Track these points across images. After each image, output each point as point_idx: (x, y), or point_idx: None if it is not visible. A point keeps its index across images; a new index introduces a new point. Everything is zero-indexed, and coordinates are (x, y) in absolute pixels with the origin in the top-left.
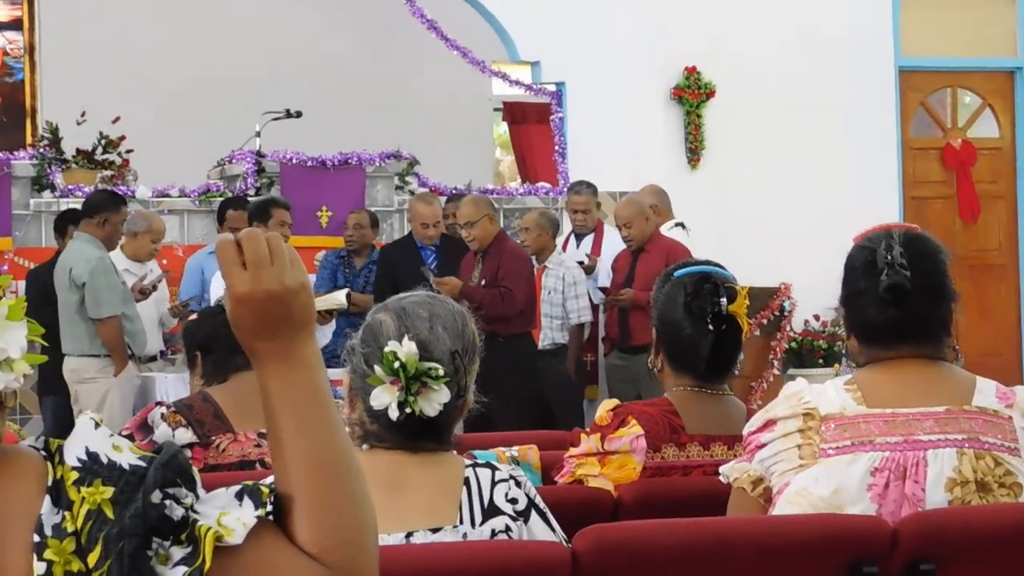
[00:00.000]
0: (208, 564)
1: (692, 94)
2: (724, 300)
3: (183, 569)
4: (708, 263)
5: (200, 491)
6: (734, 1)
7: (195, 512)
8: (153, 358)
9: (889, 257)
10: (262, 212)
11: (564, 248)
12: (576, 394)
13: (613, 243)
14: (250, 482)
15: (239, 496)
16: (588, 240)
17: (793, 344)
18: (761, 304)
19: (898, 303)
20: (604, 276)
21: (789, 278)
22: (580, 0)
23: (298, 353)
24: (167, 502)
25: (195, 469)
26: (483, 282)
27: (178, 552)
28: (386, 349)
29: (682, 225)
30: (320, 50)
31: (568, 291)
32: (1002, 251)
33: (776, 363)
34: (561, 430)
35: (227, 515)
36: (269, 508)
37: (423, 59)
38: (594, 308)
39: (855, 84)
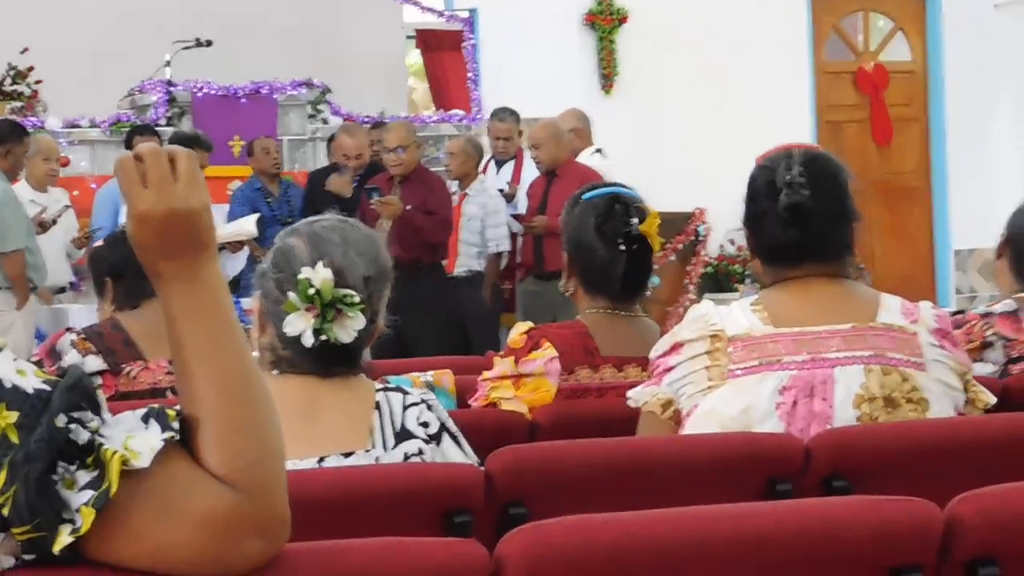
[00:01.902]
0: (115, 488)
1: (605, 19)
2: (635, 220)
3: (89, 493)
4: (617, 184)
5: (106, 415)
6: None
7: (101, 436)
8: (62, 289)
9: (789, 177)
10: (185, 146)
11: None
12: (492, 321)
13: (533, 171)
14: (157, 406)
15: (145, 419)
16: (508, 168)
17: (709, 269)
18: (677, 229)
19: (799, 222)
20: (523, 204)
21: (705, 203)
22: None
23: (202, 274)
24: (72, 426)
25: (101, 392)
26: (408, 207)
27: (84, 476)
28: (300, 275)
29: (600, 151)
30: None
31: (488, 219)
32: (916, 174)
33: (692, 288)
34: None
35: (133, 439)
36: (176, 431)
37: None
38: (512, 237)
39: (768, 9)
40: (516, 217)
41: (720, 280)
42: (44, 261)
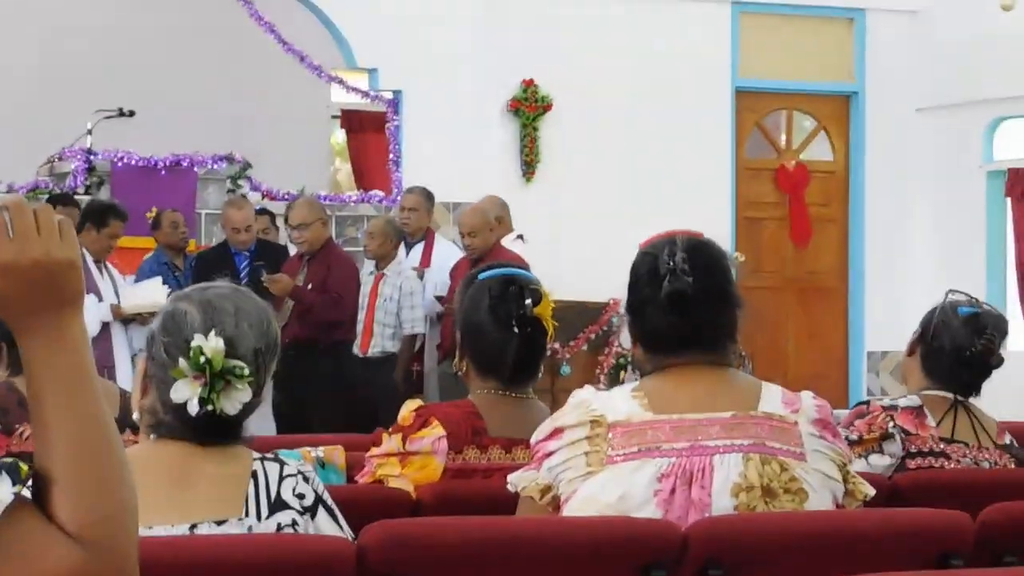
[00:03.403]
0: None
1: (529, 107)
2: (529, 302)
3: None
4: (512, 265)
5: None
6: (574, 15)
7: None
8: None
9: (671, 263)
10: (99, 217)
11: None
12: (402, 403)
13: (443, 253)
14: (9, 459)
15: None
16: (418, 248)
17: (622, 360)
18: (591, 319)
19: (680, 310)
20: (432, 286)
21: (621, 294)
22: (419, 9)
23: (65, 332)
24: None
25: None
26: (309, 286)
27: None
28: (193, 343)
29: (521, 237)
30: (157, 49)
31: (404, 300)
32: (832, 274)
33: (604, 378)
34: None
35: None
36: (27, 485)
37: (262, 63)
38: (427, 318)
39: (692, 104)
40: (439, 299)
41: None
42: None
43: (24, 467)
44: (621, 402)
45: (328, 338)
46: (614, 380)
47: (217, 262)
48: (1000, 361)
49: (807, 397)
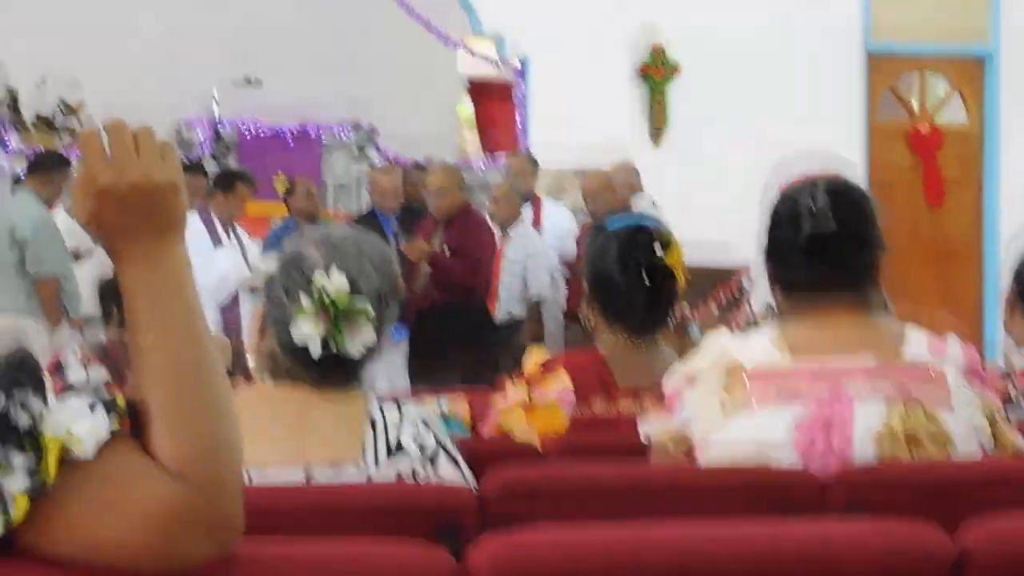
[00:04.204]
0: (52, 477)
1: (657, 71)
2: (658, 250)
3: (24, 482)
4: (642, 216)
5: (51, 397)
6: None
7: (42, 419)
8: (91, 320)
9: (813, 205)
10: (226, 183)
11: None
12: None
13: (552, 216)
14: (108, 395)
15: (92, 405)
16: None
17: (752, 324)
18: (721, 282)
19: (822, 252)
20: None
21: (752, 259)
22: None
23: (165, 257)
24: (11, 406)
25: (47, 373)
26: (445, 250)
27: (21, 461)
28: (315, 280)
29: (654, 203)
30: (283, 18)
31: (529, 262)
32: (967, 239)
33: None
34: None
35: (77, 425)
36: (123, 419)
37: (389, 30)
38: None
39: (824, 68)
40: (567, 264)
41: None
42: (78, 289)
43: (121, 400)
44: (759, 347)
45: (465, 302)
46: None
47: (367, 228)
48: None
49: (954, 344)
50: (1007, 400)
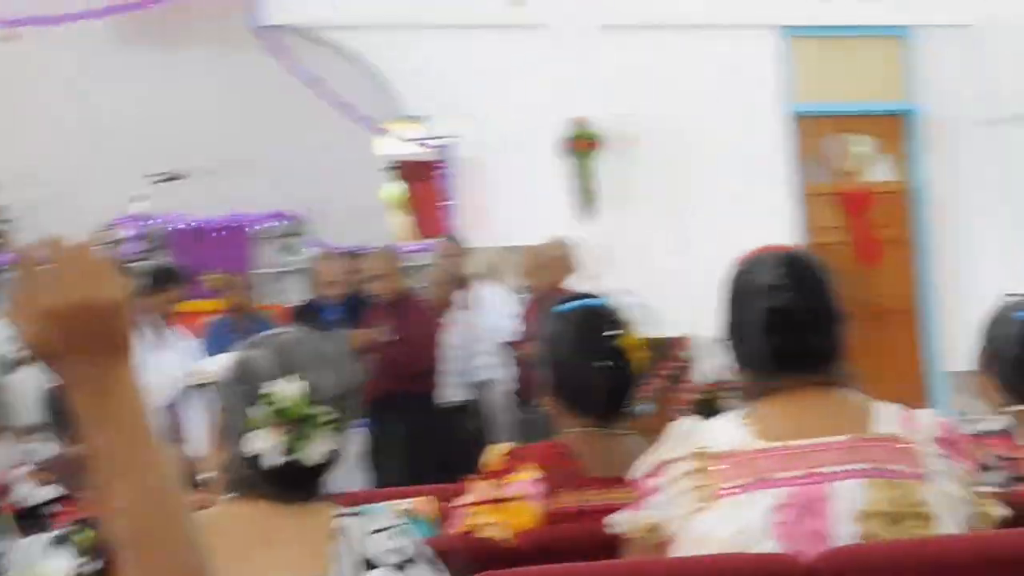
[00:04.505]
0: None
1: (582, 144)
2: (615, 332)
3: None
4: (590, 295)
5: (6, 542)
6: (622, 46)
7: (4, 564)
8: (35, 429)
9: (770, 279)
10: (157, 281)
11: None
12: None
13: (489, 297)
14: (74, 526)
15: (58, 541)
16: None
17: (707, 394)
18: (662, 355)
19: (783, 328)
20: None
21: (692, 329)
22: (461, 56)
23: (115, 385)
24: None
25: (6, 515)
26: (389, 337)
27: None
28: (269, 391)
29: (597, 278)
30: (204, 112)
31: (472, 346)
32: (902, 298)
33: (686, 412)
34: None
35: (38, 568)
36: (89, 558)
37: (310, 118)
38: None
39: (750, 132)
40: (511, 344)
41: (715, 405)
42: (12, 400)
43: (90, 535)
44: (726, 431)
45: (409, 389)
46: (699, 414)
47: (308, 320)
48: None
49: (927, 415)
50: (985, 468)
